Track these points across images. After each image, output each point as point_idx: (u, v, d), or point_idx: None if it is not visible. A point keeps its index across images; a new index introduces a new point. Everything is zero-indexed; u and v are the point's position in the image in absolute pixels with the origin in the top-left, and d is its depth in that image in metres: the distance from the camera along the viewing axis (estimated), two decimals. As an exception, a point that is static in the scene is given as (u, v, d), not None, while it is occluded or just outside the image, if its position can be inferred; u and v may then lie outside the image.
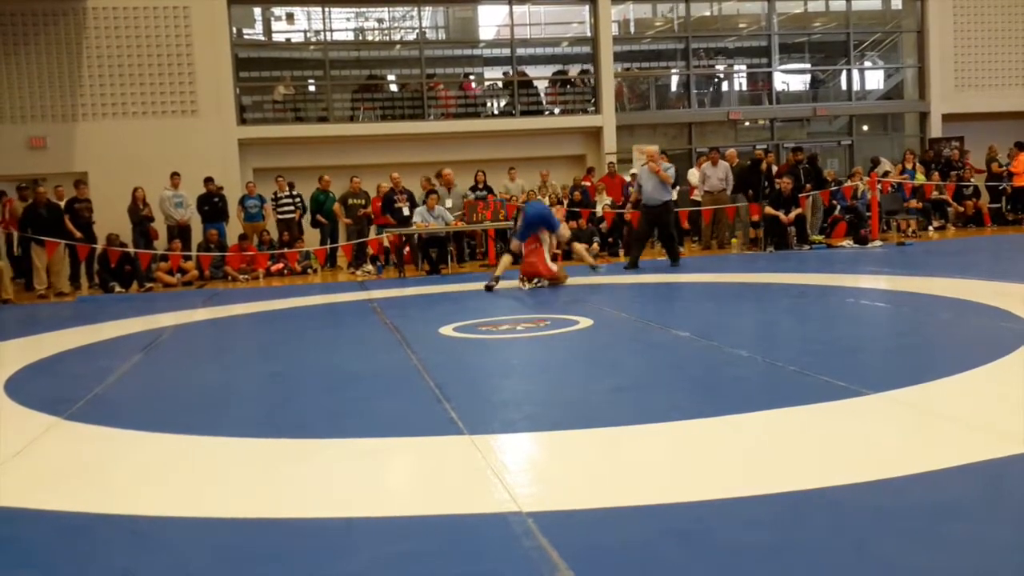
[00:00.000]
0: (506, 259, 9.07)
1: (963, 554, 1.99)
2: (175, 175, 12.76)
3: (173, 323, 7.52)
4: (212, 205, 12.85)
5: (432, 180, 13.00)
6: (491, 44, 17.51)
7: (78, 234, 11.53)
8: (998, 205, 14.78)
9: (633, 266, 10.07)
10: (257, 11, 16.45)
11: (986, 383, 3.60)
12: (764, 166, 12.54)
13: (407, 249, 12.03)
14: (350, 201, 12.86)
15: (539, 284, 8.61)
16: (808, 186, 12.59)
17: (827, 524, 2.18)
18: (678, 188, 10.89)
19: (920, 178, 14.40)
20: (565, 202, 13.38)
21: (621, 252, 12.98)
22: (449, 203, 11.97)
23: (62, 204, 11.89)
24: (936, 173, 14.95)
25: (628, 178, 14.02)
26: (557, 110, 16.86)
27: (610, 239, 13.30)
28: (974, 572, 1.91)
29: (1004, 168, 14.66)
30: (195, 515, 2.51)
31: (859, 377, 3.68)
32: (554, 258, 9.05)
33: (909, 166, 14.57)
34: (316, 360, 5.23)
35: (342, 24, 17.21)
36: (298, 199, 13.39)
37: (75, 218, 11.73)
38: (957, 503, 2.30)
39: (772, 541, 2.10)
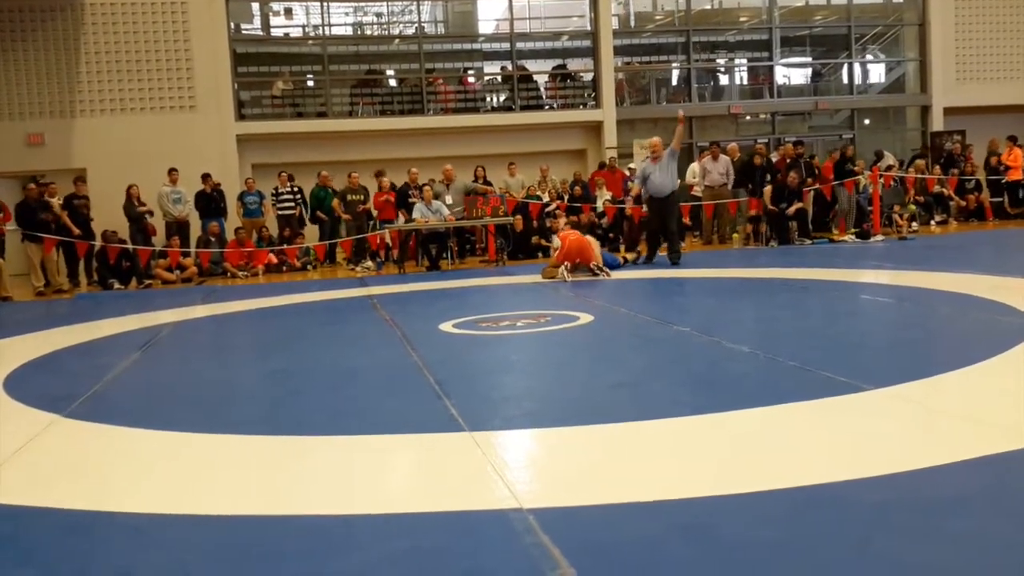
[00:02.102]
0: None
1: (966, 549, 1.98)
2: (173, 171, 12.74)
3: (172, 320, 7.51)
4: (210, 201, 12.83)
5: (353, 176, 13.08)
6: (490, 38, 17.46)
7: (76, 231, 11.51)
8: (1000, 199, 14.75)
9: (649, 260, 10.13)
10: (255, 6, 16.40)
11: (988, 378, 3.59)
12: (757, 160, 12.55)
13: (411, 242, 12.02)
14: (349, 197, 12.84)
15: (594, 273, 8.79)
16: (809, 180, 12.59)
17: (829, 520, 2.17)
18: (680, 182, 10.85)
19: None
20: (565, 197, 13.37)
21: (622, 247, 12.97)
22: (449, 199, 11.96)
23: (54, 201, 11.87)
24: (937, 167, 14.92)
25: (628, 172, 13.99)
26: (557, 104, 16.82)
27: (611, 234, 13.28)
28: (977, 567, 1.90)
29: (999, 162, 14.61)
30: (195, 512, 2.50)
31: (861, 373, 3.67)
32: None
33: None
34: (316, 357, 5.21)
35: (340, 19, 17.16)
36: (299, 195, 13.37)
37: (73, 215, 11.70)
38: (960, 498, 2.29)
39: (774, 537, 2.09)
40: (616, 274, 9.09)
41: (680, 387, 3.89)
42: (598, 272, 8.79)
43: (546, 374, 4.43)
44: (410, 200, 12.07)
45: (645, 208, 10.51)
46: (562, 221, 11.01)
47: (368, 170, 13.61)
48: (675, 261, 9.92)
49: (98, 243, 11.55)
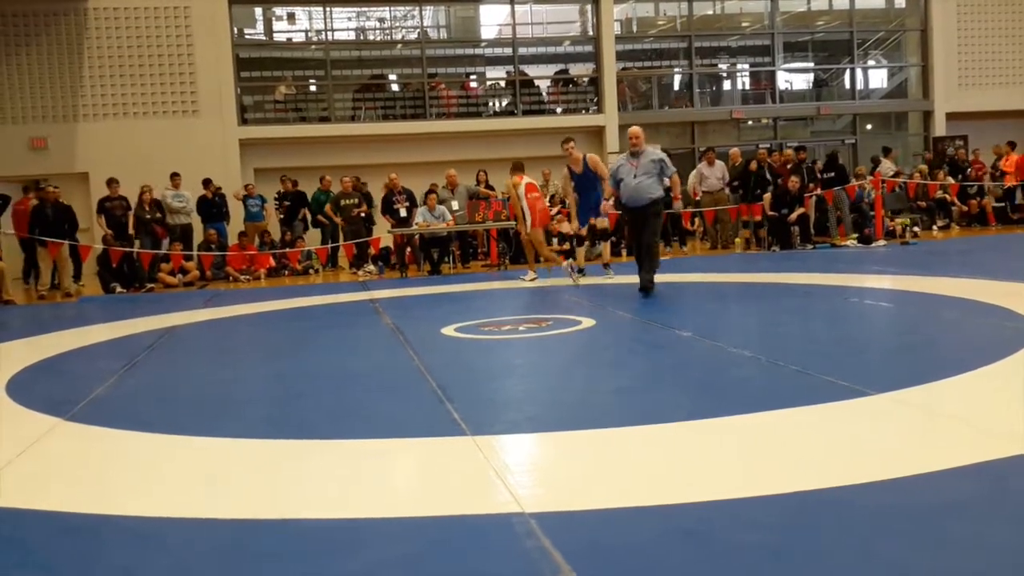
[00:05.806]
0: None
1: (967, 554, 1.98)
2: (175, 175, 12.77)
3: (175, 324, 7.52)
4: (212, 206, 12.86)
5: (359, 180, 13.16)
6: (493, 43, 17.50)
7: (107, 231, 11.65)
8: (1002, 204, 14.75)
9: (645, 289, 7.37)
10: (258, 11, 16.46)
11: (990, 383, 3.59)
12: (753, 166, 12.56)
13: (408, 249, 12.02)
14: (343, 202, 12.80)
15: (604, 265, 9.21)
16: (812, 185, 12.60)
17: (831, 524, 2.17)
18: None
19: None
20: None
21: (624, 252, 12.96)
22: (456, 204, 11.97)
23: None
24: (940, 172, 14.92)
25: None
26: (559, 109, 16.85)
27: (612, 238, 13.26)
28: (977, 573, 1.90)
29: (996, 168, 14.62)
30: (197, 516, 2.50)
31: (863, 377, 3.67)
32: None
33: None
34: (318, 361, 5.22)
35: (343, 24, 17.21)
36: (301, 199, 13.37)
37: (108, 217, 11.82)
38: (961, 503, 2.29)
39: (775, 542, 2.09)
40: (619, 278, 9.10)
41: (682, 392, 3.89)
42: (606, 270, 8.98)
43: (548, 378, 4.42)
44: (394, 206, 12.02)
45: (618, 210, 8.41)
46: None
47: (369, 174, 13.64)
48: (647, 289, 7.28)
49: (100, 246, 11.58)
